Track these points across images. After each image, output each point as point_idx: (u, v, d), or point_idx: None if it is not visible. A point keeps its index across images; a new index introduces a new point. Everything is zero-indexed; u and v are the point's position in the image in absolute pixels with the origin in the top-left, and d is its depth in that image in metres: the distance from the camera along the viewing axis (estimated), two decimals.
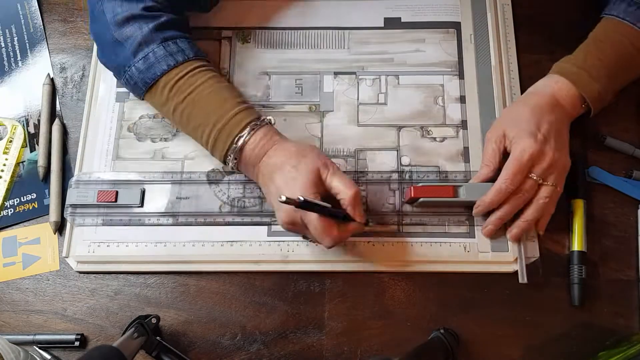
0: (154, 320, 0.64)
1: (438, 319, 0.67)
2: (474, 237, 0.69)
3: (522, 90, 0.75)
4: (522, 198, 0.65)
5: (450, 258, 0.68)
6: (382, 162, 0.73)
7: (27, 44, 0.82)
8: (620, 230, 0.70)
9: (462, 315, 0.67)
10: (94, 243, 0.70)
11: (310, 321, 0.68)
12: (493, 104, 0.75)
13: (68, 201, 0.72)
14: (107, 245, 0.70)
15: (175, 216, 0.71)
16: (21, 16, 0.84)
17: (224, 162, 0.67)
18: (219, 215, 0.71)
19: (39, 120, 0.77)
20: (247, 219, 0.71)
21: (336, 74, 0.77)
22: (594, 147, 0.74)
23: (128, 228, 0.71)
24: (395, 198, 0.71)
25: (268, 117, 0.67)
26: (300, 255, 0.69)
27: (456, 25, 0.79)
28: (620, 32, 0.68)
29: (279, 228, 0.70)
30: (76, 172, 0.74)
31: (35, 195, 0.74)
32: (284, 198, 0.54)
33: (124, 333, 0.62)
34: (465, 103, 0.75)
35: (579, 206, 0.69)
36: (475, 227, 0.69)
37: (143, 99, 0.71)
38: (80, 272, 0.70)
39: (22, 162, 0.76)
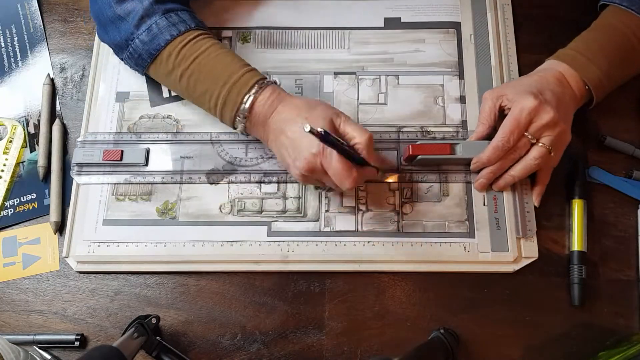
0: (154, 320, 0.64)
1: (438, 319, 0.67)
2: (474, 237, 0.69)
3: None
4: (513, 155, 0.66)
5: (450, 258, 0.68)
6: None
7: (27, 44, 0.82)
8: (620, 230, 0.70)
9: (462, 315, 0.67)
10: (94, 243, 0.70)
11: (310, 321, 0.68)
12: None
13: (74, 160, 0.74)
14: (107, 245, 0.70)
15: (180, 174, 0.73)
16: (21, 16, 0.84)
17: (233, 124, 0.68)
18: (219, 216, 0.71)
19: (39, 121, 0.77)
20: (247, 219, 0.71)
21: (336, 74, 0.77)
22: (594, 147, 0.74)
23: (128, 228, 0.71)
24: (395, 198, 0.71)
25: (273, 78, 0.68)
26: (300, 255, 0.69)
27: (456, 26, 0.79)
28: (623, 20, 0.68)
29: (278, 228, 0.70)
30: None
31: (35, 195, 0.74)
32: (308, 127, 0.54)
33: (124, 333, 0.62)
34: (465, 103, 0.75)
35: (579, 206, 0.69)
36: (475, 227, 0.69)
37: (145, 73, 0.73)
38: (80, 272, 0.70)
39: (22, 162, 0.76)
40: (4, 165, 0.75)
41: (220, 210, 0.71)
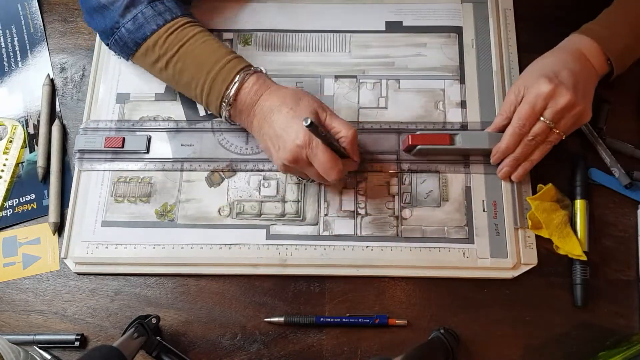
0: (154, 320, 0.64)
1: (438, 319, 0.67)
2: (473, 243, 0.69)
3: None
4: (534, 141, 0.66)
5: (449, 264, 0.68)
6: (381, 167, 0.73)
7: (27, 44, 0.82)
8: (620, 230, 0.70)
9: (462, 315, 0.67)
10: (92, 244, 0.70)
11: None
12: (494, 110, 0.75)
13: (76, 147, 0.74)
14: (106, 247, 0.70)
15: (180, 162, 0.73)
16: (21, 16, 0.84)
17: (219, 112, 0.68)
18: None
19: (38, 121, 0.77)
20: (245, 222, 0.71)
21: (337, 77, 0.78)
22: (594, 147, 0.74)
23: (127, 229, 0.71)
24: (394, 203, 0.71)
25: (259, 67, 0.68)
26: (298, 259, 0.69)
27: (458, 30, 0.79)
28: None
29: (277, 231, 0.70)
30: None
31: (34, 195, 0.74)
32: (308, 121, 0.56)
33: (124, 333, 0.62)
34: (465, 108, 0.75)
35: (581, 207, 0.70)
36: (474, 232, 0.70)
37: (129, 60, 0.73)
38: (79, 274, 0.70)
39: (22, 162, 0.76)
40: (4, 165, 0.75)
41: (219, 213, 0.71)
